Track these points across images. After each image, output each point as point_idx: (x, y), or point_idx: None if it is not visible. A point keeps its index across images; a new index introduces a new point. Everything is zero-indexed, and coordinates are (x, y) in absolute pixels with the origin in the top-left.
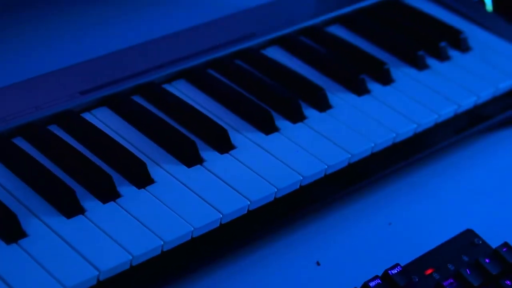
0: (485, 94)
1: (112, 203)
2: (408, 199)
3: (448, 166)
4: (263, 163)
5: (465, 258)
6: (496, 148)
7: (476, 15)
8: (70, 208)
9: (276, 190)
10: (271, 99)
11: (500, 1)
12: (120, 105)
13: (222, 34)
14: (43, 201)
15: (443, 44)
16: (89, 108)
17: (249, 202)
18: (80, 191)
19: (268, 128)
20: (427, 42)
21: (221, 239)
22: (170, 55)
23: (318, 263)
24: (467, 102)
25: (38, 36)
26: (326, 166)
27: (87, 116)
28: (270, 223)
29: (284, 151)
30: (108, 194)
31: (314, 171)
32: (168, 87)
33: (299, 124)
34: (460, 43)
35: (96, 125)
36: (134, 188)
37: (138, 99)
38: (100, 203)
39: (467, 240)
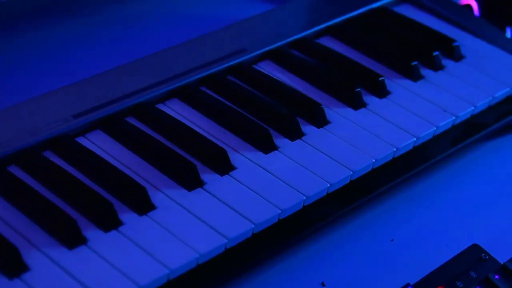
0: (482, 104)
1: (114, 231)
2: (408, 214)
3: (447, 178)
4: (265, 183)
5: (474, 275)
6: (493, 157)
7: (465, 21)
8: (72, 239)
9: (280, 211)
10: (268, 116)
11: (487, 5)
12: (114, 127)
13: (213, 50)
14: (43, 233)
15: (436, 53)
16: (83, 132)
17: (253, 225)
18: (80, 220)
19: (267, 147)
20: (420, 52)
21: (226, 263)
22: (162, 73)
23: (323, 284)
24: (464, 112)
25: (26, 59)
26: (329, 185)
27: (82, 140)
28: (273, 246)
29: (284, 170)
30: (109, 222)
31: (317, 190)
32: (162, 107)
33: (298, 141)
34: (454, 52)
35: (92, 149)
36: (135, 215)
37: (132, 120)
38: (102, 232)
39: (474, 256)
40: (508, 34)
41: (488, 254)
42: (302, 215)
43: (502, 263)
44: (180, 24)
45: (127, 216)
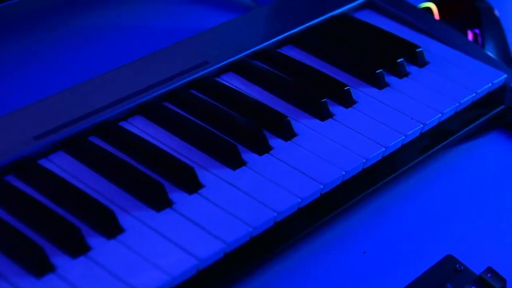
0: (448, 110)
1: (82, 257)
2: (379, 225)
3: (416, 187)
4: (235, 201)
5: (450, 286)
6: (462, 163)
7: (426, 25)
8: (39, 267)
9: (251, 229)
10: (235, 131)
11: (445, 8)
12: (77, 148)
13: (175, 63)
14: (10, 262)
15: (401, 60)
16: (45, 153)
17: (225, 245)
18: (48, 247)
19: (236, 163)
20: (384, 59)
21: (198, 286)
22: (123, 89)
23: None
24: (432, 120)
25: None
26: (300, 200)
27: (45, 162)
28: (245, 264)
29: (254, 187)
30: (77, 248)
31: (288, 206)
32: (125, 125)
33: (266, 156)
34: (418, 58)
35: (56, 172)
36: (103, 239)
37: (95, 139)
38: (69, 259)
39: (449, 267)
40: (469, 38)
41: (463, 265)
42: (274, 232)
43: (477, 274)
44: (139, 37)
45: (96, 241)
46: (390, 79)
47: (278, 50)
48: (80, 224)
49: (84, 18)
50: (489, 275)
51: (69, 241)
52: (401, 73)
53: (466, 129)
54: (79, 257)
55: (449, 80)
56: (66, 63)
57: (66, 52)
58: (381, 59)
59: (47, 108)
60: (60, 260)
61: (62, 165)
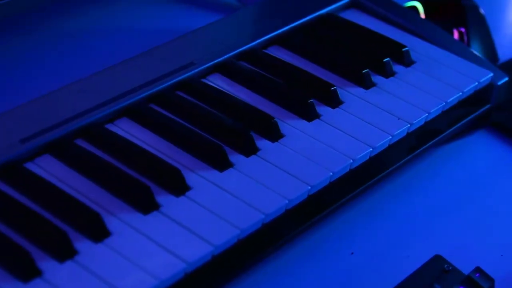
0: (435, 110)
1: (69, 262)
2: (367, 226)
3: (404, 187)
4: (222, 203)
5: (438, 287)
6: (449, 162)
7: (412, 24)
8: (26, 272)
9: (239, 231)
10: (222, 132)
11: (431, 7)
12: (63, 151)
13: (161, 64)
14: None
15: (387, 60)
16: (32, 157)
17: (213, 248)
18: (34, 252)
19: (223, 165)
20: (371, 59)
21: None
22: (109, 91)
23: None
24: (418, 119)
25: None
26: (287, 201)
27: (31, 166)
28: (233, 266)
29: (241, 188)
30: (64, 252)
31: (276, 207)
32: (111, 127)
33: (253, 157)
34: (404, 58)
35: (42, 175)
36: (91, 243)
37: (81, 142)
38: (56, 263)
39: (438, 267)
40: (455, 36)
41: (451, 265)
42: (262, 234)
43: (466, 274)
44: (125, 39)
45: (83, 245)
46: (376, 78)
47: (264, 50)
48: (67, 228)
49: (69, 20)
50: (477, 275)
51: (56, 246)
52: (387, 73)
53: (453, 128)
54: (66, 261)
55: (435, 79)
56: (51, 66)
57: (52, 54)
58: (368, 59)
59: (32, 111)
60: (47, 264)
61: (49, 169)
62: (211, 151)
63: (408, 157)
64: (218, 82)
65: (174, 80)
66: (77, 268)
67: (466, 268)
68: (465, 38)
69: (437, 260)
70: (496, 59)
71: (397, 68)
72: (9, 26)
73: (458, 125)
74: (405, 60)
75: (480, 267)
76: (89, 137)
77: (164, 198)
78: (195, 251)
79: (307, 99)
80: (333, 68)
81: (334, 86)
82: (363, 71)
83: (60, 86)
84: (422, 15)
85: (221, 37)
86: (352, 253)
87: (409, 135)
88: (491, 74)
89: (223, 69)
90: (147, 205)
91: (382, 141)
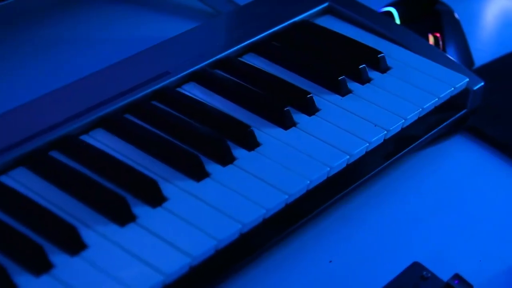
0: (411, 116)
1: (45, 276)
2: (345, 233)
3: (381, 194)
4: (199, 213)
5: None
6: (426, 168)
7: (387, 30)
8: (2, 287)
9: (216, 242)
10: (198, 142)
11: (406, 13)
12: (37, 163)
13: (136, 74)
14: None
15: (363, 66)
16: (5, 170)
17: (190, 259)
18: (10, 266)
19: (199, 174)
20: (346, 66)
21: None
22: (84, 102)
23: None
24: (395, 126)
25: None
26: (265, 211)
27: (5, 179)
28: (211, 277)
29: (218, 198)
30: (40, 266)
31: (253, 217)
32: (86, 138)
33: (230, 167)
34: (380, 64)
35: (16, 188)
36: (67, 256)
37: (56, 154)
38: (32, 277)
39: (416, 274)
40: (430, 42)
41: (430, 272)
42: (239, 244)
43: (445, 280)
44: (98, 48)
45: (59, 258)
46: (352, 85)
47: (239, 58)
48: (42, 241)
49: (43, 30)
50: (456, 281)
51: (31, 259)
52: (363, 79)
53: (429, 134)
54: (42, 275)
55: (411, 85)
56: (23, 77)
57: (23, 65)
58: (343, 65)
59: (5, 123)
60: (22, 278)
61: (23, 181)
62: (187, 161)
63: (385, 163)
64: (193, 91)
65: (149, 90)
66: (53, 281)
67: (445, 274)
68: (441, 43)
69: (416, 267)
70: (471, 64)
71: (373, 74)
72: None
73: (435, 130)
74: (381, 66)
75: (459, 273)
76: (64, 148)
77: (140, 209)
78: (172, 263)
79: (283, 107)
80: (309, 75)
81: (310, 93)
82: (339, 78)
83: (33, 97)
84: (398, 21)
85: (196, 46)
86: (331, 261)
87: (386, 141)
88: (467, 79)
89: (199, 77)
90: (123, 217)
91: (359, 148)
